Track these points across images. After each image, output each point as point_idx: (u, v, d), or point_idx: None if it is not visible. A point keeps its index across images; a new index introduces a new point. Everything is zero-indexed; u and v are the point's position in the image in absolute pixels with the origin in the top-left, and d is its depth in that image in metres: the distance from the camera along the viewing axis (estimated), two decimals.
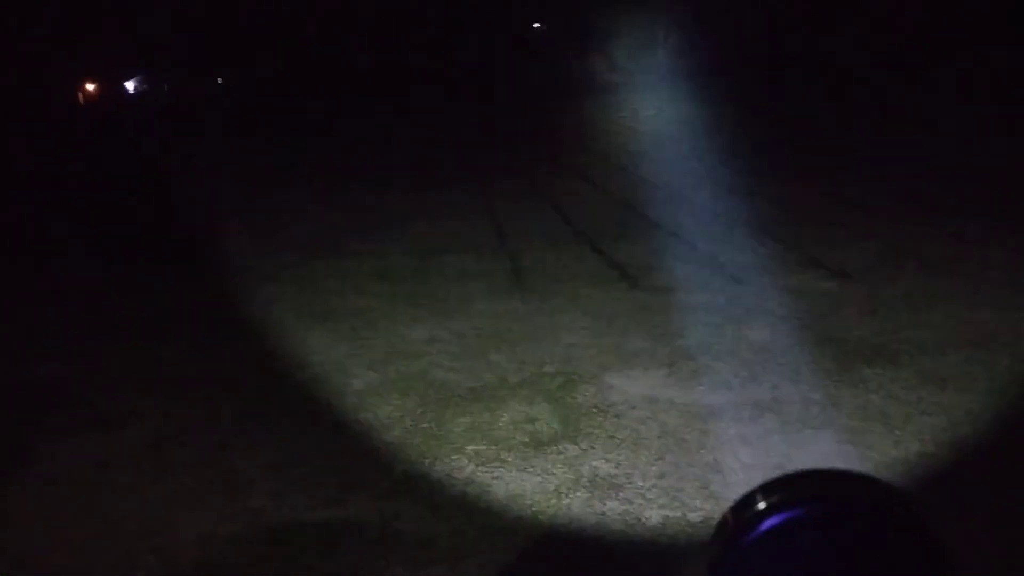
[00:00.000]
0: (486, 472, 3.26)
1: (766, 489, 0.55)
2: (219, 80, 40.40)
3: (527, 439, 3.52)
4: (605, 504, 2.99)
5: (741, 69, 24.53)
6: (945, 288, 5.32)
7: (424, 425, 3.70)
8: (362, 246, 7.34)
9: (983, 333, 4.48)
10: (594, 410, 3.77)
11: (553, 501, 3.03)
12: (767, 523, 0.53)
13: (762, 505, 0.54)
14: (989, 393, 3.77)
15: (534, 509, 2.98)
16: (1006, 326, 4.58)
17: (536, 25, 36.22)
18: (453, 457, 3.39)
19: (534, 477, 3.21)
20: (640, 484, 3.12)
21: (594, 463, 3.29)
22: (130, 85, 42.24)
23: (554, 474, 3.22)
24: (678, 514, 2.91)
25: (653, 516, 2.90)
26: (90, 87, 39.11)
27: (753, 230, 7.23)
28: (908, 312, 4.89)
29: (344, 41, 31.86)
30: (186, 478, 3.31)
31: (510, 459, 3.35)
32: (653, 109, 21.24)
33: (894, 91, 20.23)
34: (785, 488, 0.55)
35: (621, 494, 3.05)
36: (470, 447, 3.47)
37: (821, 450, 3.30)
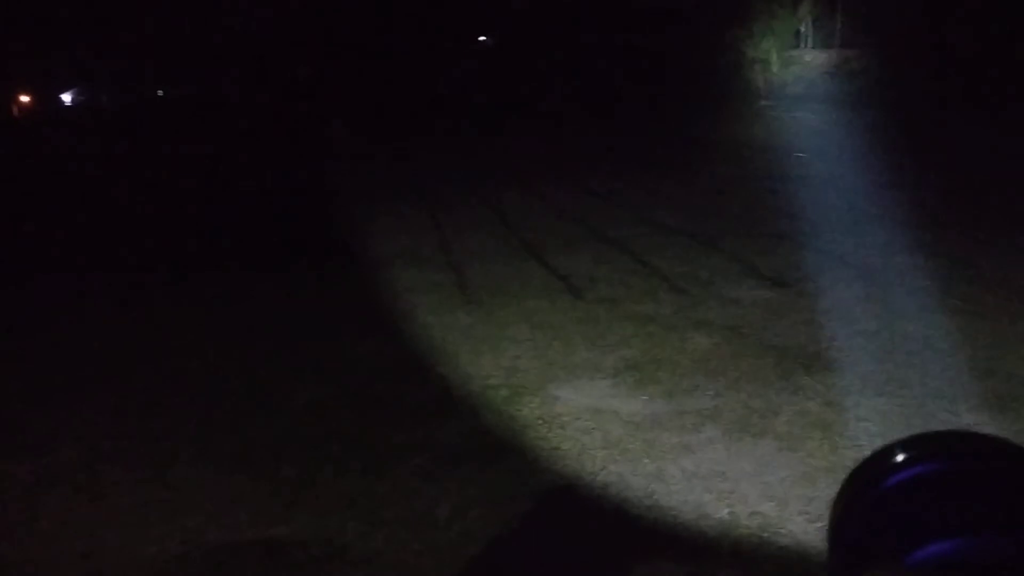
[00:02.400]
0: (431, 486, 3.24)
1: (906, 444, 0.53)
2: (159, 93, 39.72)
3: (472, 452, 3.51)
4: (551, 516, 3.00)
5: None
6: None
7: (368, 439, 3.67)
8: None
9: None
10: (539, 422, 3.78)
11: (498, 514, 3.02)
12: (891, 480, 0.51)
13: (900, 457, 0.52)
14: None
15: (479, 523, 2.97)
16: None
17: (482, 39, 36.12)
18: (397, 471, 3.36)
19: (479, 490, 3.20)
20: (585, 495, 3.13)
21: (539, 475, 3.30)
22: (67, 97, 41.33)
23: (499, 487, 3.22)
24: (621, 523, 2.93)
25: (597, 527, 2.92)
26: (24, 99, 38.16)
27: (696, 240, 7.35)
28: None
29: (280, 56, 31.54)
30: (123, 498, 3.23)
31: (455, 473, 3.34)
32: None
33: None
34: (926, 444, 0.53)
35: (566, 506, 3.07)
36: (415, 461, 3.45)
37: (761, 457, 3.35)
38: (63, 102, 40.75)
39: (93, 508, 3.18)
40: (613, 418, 3.79)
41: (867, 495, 0.52)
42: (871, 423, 3.63)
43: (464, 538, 2.88)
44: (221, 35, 32.12)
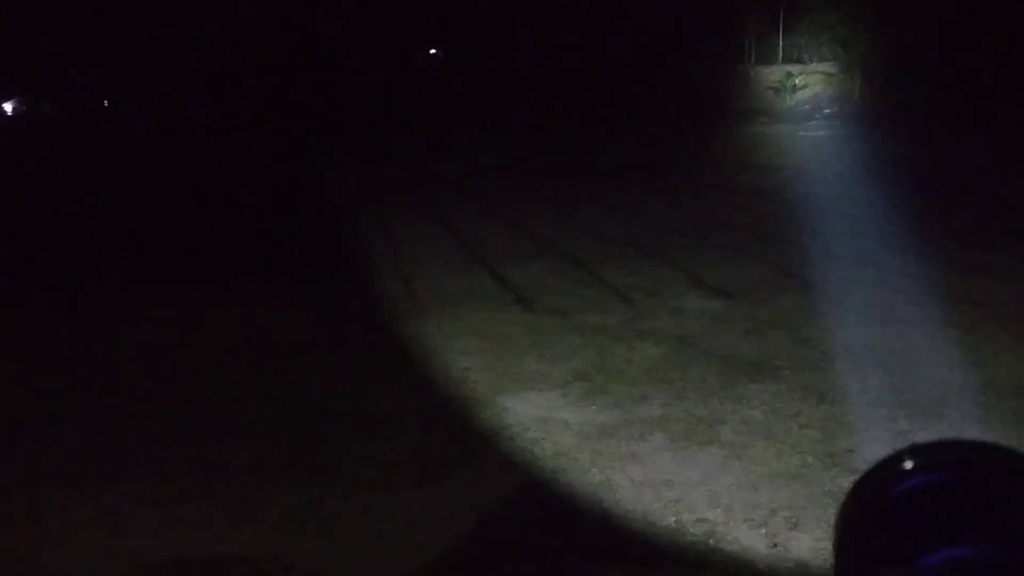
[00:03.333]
0: (381, 500, 3.23)
1: (913, 451, 0.53)
2: (105, 103, 38.96)
3: (422, 465, 3.51)
4: (501, 527, 3.01)
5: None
6: None
7: (316, 455, 3.64)
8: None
9: None
10: (489, 433, 3.79)
11: (448, 527, 3.02)
12: (911, 481, 0.52)
13: (909, 464, 0.52)
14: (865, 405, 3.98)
15: (429, 536, 2.97)
16: None
17: (432, 51, 36.12)
18: (347, 486, 3.34)
19: (429, 504, 3.20)
20: (535, 506, 3.15)
21: (490, 486, 3.31)
22: (8, 106, 40.32)
23: (450, 500, 3.22)
24: (572, 533, 2.95)
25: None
26: None
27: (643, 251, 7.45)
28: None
29: (228, 68, 31.21)
30: (61, 518, 3.16)
31: (405, 487, 3.34)
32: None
33: None
34: (931, 452, 0.54)
35: (516, 517, 3.08)
36: (364, 475, 3.43)
37: (707, 465, 3.41)
38: (4, 111, 39.75)
39: (31, 529, 3.10)
40: (562, 428, 3.81)
41: (875, 502, 0.53)
42: (813, 430, 3.71)
43: (414, 552, 2.87)
44: (169, 45, 31.62)
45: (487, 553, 2.89)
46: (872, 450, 3.51)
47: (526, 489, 3.27)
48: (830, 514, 2.76)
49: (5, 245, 9.09)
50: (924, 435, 3.63)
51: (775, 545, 2.79)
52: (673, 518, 2.98)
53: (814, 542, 2.78)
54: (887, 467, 0.53)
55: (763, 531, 2.88)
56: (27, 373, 4.86)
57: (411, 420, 3.96)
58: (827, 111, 22.17)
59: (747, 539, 2.84)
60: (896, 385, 4.14)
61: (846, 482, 3.25)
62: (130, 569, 2.81)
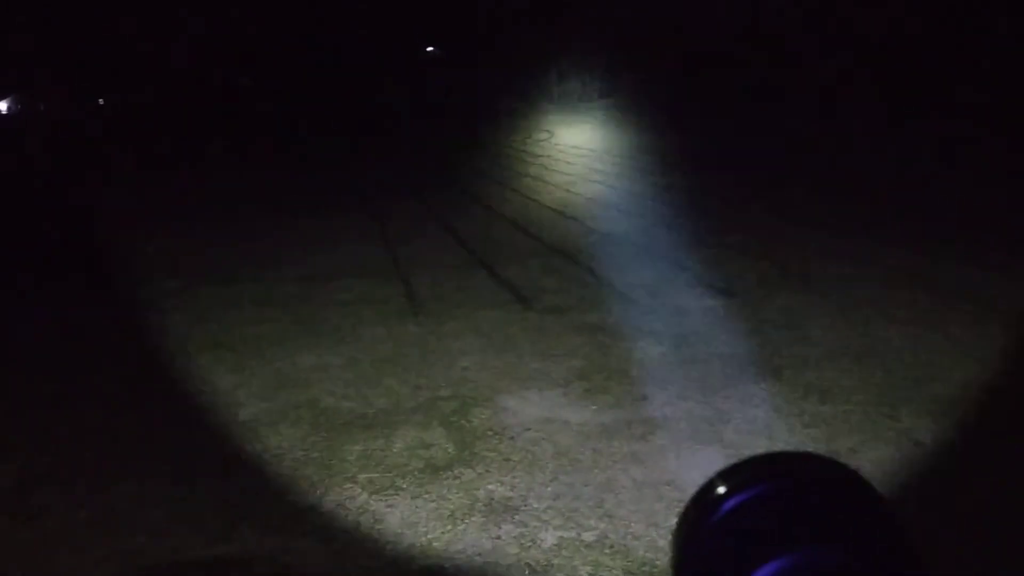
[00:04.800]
0: (380, 500, 3.19)
1: (726, 473, 0.56)
2: (100, 102, 38.87)
3: (422, 465, 3.47)
4: (500, 528, 2.97)
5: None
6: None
7: (315, 455, 3.60)
8: (255, 272, 7.16)
9: None
10: (489, 433, 3.75)
11: (448, 527, 2.99)
12: (727, 504, 0.54)
13: (722, 489, 0.54)
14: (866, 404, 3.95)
15: (429, 536, 2.94)
16: None
17: (429, 49, 36.12)
18: (346, 487, 3.31)
19: (429, 503, 3.16)
20: (535, 506, 3.11)
21: (489, 486, 3.27)
22: (2, 105, 40.24)
23: (449, 499, 3.19)
24: (573, 535, 2.91)
25: (548, 538, 2.90)
26: None
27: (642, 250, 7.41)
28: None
29: (222, 68, 31.36)
30: (58, 520, 3.12)
31: (404, 486, 3.30)
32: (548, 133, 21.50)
33: None
34: (744, 471, 0.56)
35: (516, 517, 3.04)
36: (363, 475, 3.40)
37: (710, 465, 3.37)
38: None
39: (28, 531, 3.06)
40: (563, 428, 3.78)
41: (705, 521, 0.54)
42: (816, 429, 3.68)
43: (414, 554, 2.84)
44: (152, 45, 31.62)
45: (487, 553, 2.85)
46: (874, 451, 3.49)
47: (526, 490, 3.23)
48: None
49: None
50: (927, 434, 3.60)
51: None
52: (676, 519, 2.94)
53: None
54: (712, 488, 0.55)
55: None
56: None
57: (411, 419, 3.93)
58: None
59: None
60: (900, 384, 4.11)
61: None
62: (126, 570, 2.77)
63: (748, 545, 0.52)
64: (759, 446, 3.52)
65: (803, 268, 6.50)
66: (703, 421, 3.80)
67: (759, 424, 3.76)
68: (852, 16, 21.20)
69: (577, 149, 16.89)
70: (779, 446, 3.51)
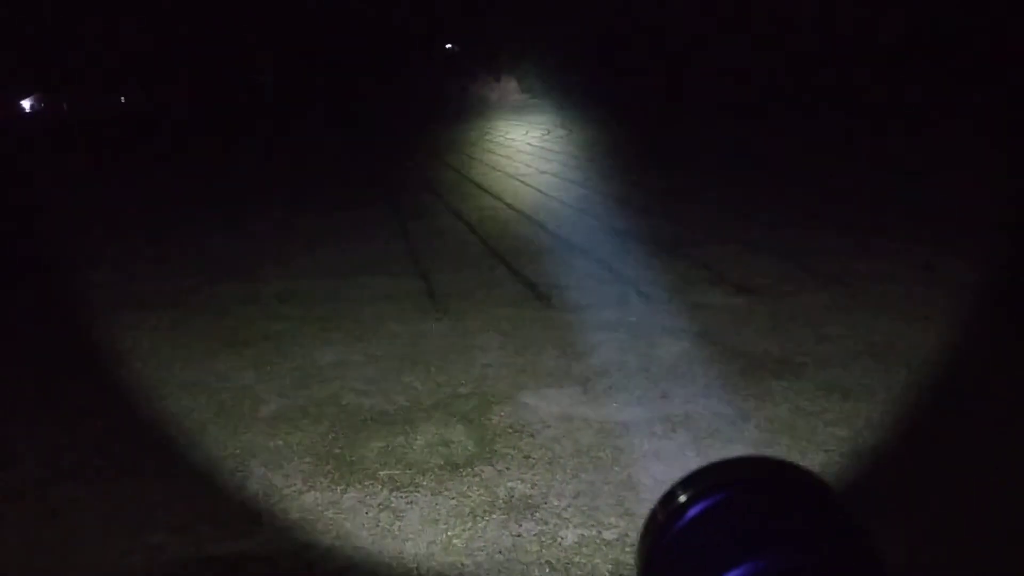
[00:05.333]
0: (401, 497, 3.20)
1: (690, 480, 0.56)
2: (122, 99, 39.19)
3: (442, 462, 3.48)
4: (521, 525, 2.97)
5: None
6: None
7: (336, 451, 3.62)
8: (273, 269, 7.19)
9: None
10: (509, 430, 3.76)
11: (469, 524, 2.99)
12: (692, 511, 0.54)
13: (684, 497, 0.55)
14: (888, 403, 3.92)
15: (449, 533, 2.94)
16: None
17: (448, 46, 36.30)
18: (366, 483, 3.32)
19: (449, 501, 3.17)
20: (556, 504, 3.11)
21: (510, 484, 3.27)
22: (26, 103, 40.63)
23: (469, 496, 3.19)
24: (593, 532, 2.91)
25: (569, 536, 2.90)
26: None
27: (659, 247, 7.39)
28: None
29: (249, 65, 31.67)
30: (83, 514, 3.15)
31: (425, 483, 3.31)
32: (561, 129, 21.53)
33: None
34: (707, 477, 0.56)
35: (537, 514, 3.04)
36: (384, 472, 3.41)
37: None
38: (22, 109, 40.07)
39: (52, 524, 3.10)
40: (583, 425, 3.77)
41: (667, 531, 0.54)
42: (839, 428, 3.65)
43: (435, 551, 2.84)
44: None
45: (507, 551, 2.85)
46: (896, 449, 3.46)
47: (547, 488, 3.23)
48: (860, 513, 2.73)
49: None
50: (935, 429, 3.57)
51: None
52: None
53: None
54: (673, 496, 0.55)
55: None
56: None
57: (431, 416, 3.94)
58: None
59: None
60: (922, 382, 4.08)
61: (876, 482, 3.21)
62: (149, 565, 2.80)
63: (711, 553, 0.52)
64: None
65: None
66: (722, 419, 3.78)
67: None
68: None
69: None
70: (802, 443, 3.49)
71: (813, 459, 3.37)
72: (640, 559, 0.56)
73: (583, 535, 2.90)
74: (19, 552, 2.93)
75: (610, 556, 2.77)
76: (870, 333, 4.86)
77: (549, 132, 21.32)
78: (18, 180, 16.50)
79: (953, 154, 13.25)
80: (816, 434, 3.60)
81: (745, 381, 4.20)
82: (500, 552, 2.82)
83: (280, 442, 3.73)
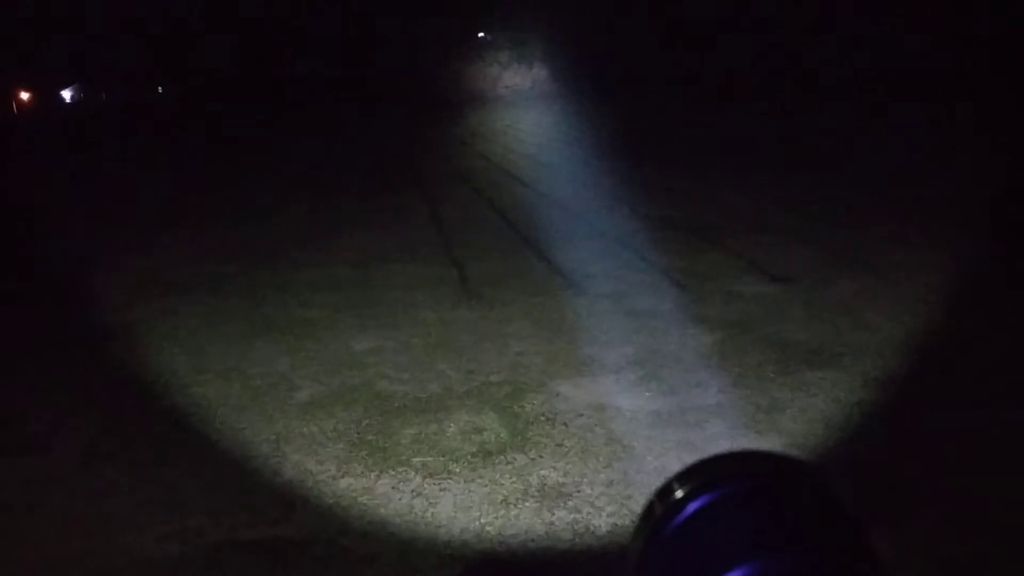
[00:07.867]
0: (434, 484, 3.22)
1: (689, 473, 0.54)
2: (159, 89, 39.65)
3: (475, 449, 3.49)
4: (554, 514, 2.97)
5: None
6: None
7: (370, 437, 3.64)
8: (304, 255, 7.26)
9: None
10: (542, 418, 3.75)
11: (502, 512, 3.00)
12: (691, 507, 0.52)
13: (682, 492, 0.53)
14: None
15: (482, 520, 2.95)
16: None
17: (480, 35, 36.53)
18: (400, 469, 3.34)
19: (482, 488, 3.17)
20: (588, 492, 3.10)
21: (542, 472, 3.27)
22: (67, 94, 41.24)
23: (502, 484, 3.19)
24: (626, 522, 2.90)
25: (602, 524, 2.89)
26: (24, 95, 38.07)
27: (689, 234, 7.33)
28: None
29: (285, 52, 32.09)
30: (121, 498, 3.21)
31: (458, 470, 3.32)
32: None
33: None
34: (706, 471, 0.54)
35: (570, 503, 3.04)
36: (417, 459, 3.42)
37: None
38: (63, 99, 40.68)
39: (91, 507, 3.16)
40: (616, 415, 3.76)
41: (665, 526, 0.53)
42: (877, 420, 3.60)
43: (468, 539, 2.85)
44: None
45: (541, 538, 2.85)
46: (933, 442, 3.40)
47: (580, 476, 3.22)
48: (891, 503, 2.67)
49: None
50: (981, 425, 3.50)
51: None
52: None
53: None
54: (671, 490, 0.54)
55: None
56: None
57: (464, 404, 3.95)
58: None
59: None
60: (961, 373, 4.01)
61: (912, 472, 3.16)
62: (186, 549, 2.84)
63: (710, 553, 0.50)
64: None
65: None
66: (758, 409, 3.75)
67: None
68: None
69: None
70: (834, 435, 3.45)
71: (849, 452, 3.33)
72: (635, 553, 0.54)
73: (616, 524, 2.89)
74: (59, 534, 3.00)
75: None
76: (909, 322, 4.78)
77: (578, 121, 21.23)
78: (48, 176, 16.77)
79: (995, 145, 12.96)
80: (851, 425, 3.55)
81: (780, 371, 4.16)
82: (533, 540, 2.83)
83: (315, 428, 3.76)
